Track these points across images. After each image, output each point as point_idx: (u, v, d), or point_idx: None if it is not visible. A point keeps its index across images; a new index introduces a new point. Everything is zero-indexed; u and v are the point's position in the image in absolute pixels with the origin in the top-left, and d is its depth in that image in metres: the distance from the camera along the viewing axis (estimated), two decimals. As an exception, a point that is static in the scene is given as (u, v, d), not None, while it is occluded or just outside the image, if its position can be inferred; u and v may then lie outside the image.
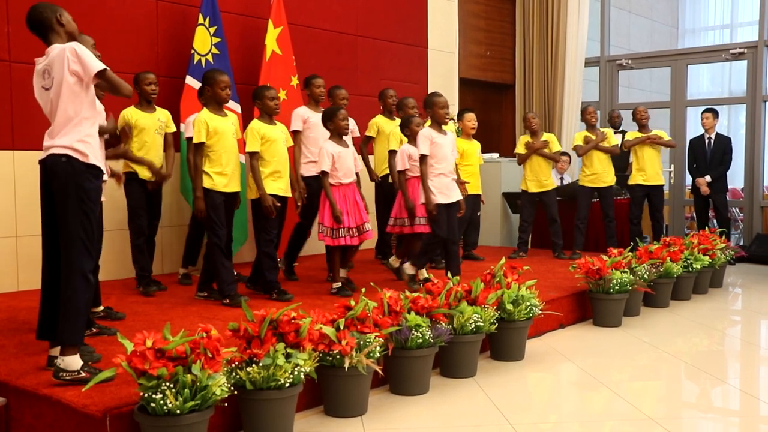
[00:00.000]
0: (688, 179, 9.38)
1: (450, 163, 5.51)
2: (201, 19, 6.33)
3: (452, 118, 7.52)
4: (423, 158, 5.38)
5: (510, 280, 4.63)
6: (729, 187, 9.12)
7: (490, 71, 10.40)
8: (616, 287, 5.44)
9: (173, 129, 5.63)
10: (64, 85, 3.26)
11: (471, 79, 9.87)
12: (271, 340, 3.19)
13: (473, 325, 4.14)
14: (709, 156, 8.71)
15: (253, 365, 3.10)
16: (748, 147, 9.52)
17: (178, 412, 2.76)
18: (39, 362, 3.54)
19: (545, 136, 7.62)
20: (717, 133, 8.79)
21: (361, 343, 3.50)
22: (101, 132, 3.60)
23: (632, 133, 7.94)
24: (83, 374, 3.21)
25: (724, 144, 8.71)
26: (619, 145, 8.13)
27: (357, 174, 5.62)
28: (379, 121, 6.73)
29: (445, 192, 5.42)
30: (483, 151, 7.56)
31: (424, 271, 5.65)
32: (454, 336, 4.08)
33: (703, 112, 8.89)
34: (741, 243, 9.55)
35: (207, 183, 4.94)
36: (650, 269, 5.90)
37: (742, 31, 14.12)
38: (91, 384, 2.91)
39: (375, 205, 6.80)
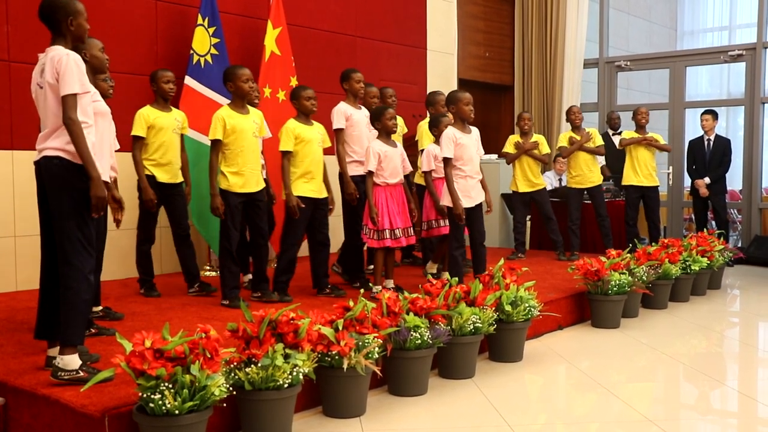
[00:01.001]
0: (687, 181, 9.39)
1: (475, 164, 5.37)
2: (200, 20, 6.33)
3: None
4: (447, 161, 5.25)
5: (509, 281, 4.63)
6: (727, 188, 9.13)
7: (489, 72, 10.41)
8: (615, 289, 5.44)
9: (188, 130, 5.56)
10: (54, 89, 3.25)
11: (470, 80, 9.88)
12: (270, 340, 3.19)
13: (472, 326, 4.14)
14: (708, 158, 8.72)
15: (252, 366, 3.10)
16: (747, 149, 9.54)
17: (177, 412, 2.75)
18: (37, 362, 3.54)
19: (535, 137, 7.61)
20: (716, 135, 8.80)
21: (360, 343, 3.50)
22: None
23: (629, 133, 7.93)
24: (81, 374, 3.21)
25: (723, 146, 8.72)
26: (617, 146, 8.13)
27: (407, 176, 5.50)
28: None
29: (470, 195, 5.31)
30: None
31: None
32: (453, 337, 4.08)
33: (702, 113, 8.90)
34: (739, 245, 9.55)
35: (223, 184, 4.91)
36: (649, 271, 5.91)
37: (740, 33, 14.14)
38: (90, 384, 2.91)
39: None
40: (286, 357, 3.19)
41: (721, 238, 7.44)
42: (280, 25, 6.81)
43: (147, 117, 5.24)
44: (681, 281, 6.46)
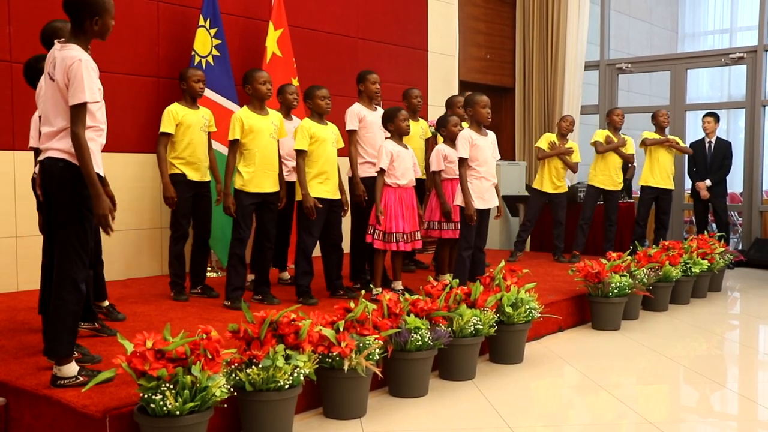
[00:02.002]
0: (688, 183, 9.39)
1: (491, 166, 5.35)
2: (201, 21, 6.33)
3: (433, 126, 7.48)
4: (462, 161, 5.23)
5: (509, 283, 4.64)
6: (728, 191, 9.13)
7: (490, 74, 10.42)
8: (615, 291, 5.44)
9: (215, 128, 5.55)
10: (62, 91, 3.18)
11: (471, 82, 9.88)
12: (271, 341, 3.19)
13: (472, 328, 4.14)
14: (709, 160, 8.72)
15: (253, 366, 3.11)
16: (747, 151, 9.54)
17: (178, 413, 2.76)
18: (38, 362, 3.53)
19: (570, 143, 7.60)
20: (717, 138, 8.81)
21: (361, 345, 3.50)
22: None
23: (650, 134, 7.89)
24: (81, 378, 3.20)
25: (724, 148, 8.73)
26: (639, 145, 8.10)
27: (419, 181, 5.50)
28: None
29: (483, 197, 5.29)
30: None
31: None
32: (454, 339, 4.08)
33: (704, 116, 8.91)
34: (740, 247, 9.55)
35: (237, 182, 4.93)
36: (649, 273, 5.91)
37: (741, 36, 14.14)
38: (91, 384, 2.91)
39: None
40: (287, 358, 3.19)
41: (722, 241, 7.44)
42: (281, 26, 6.81)
43: (176, 114, 5.26)
44: (681, 283, 6.46)
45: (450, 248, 5.96)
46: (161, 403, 2.73)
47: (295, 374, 3.15)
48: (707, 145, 8.78)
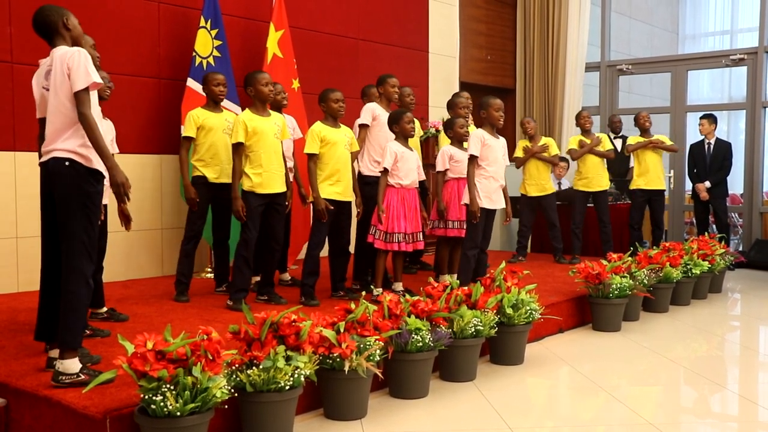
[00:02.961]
0: (688, 184, 9.39)
1: (500, 167, 5.40)
2: (202, 22, 6.34)
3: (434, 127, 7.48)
4: (472, 159, 5.27)
5: (510, 284, 4.64)
6: (729, 192, 9.13)
7: (491, 75, 10.42)
8: (616, 292, 5.44)
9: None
10: (65, 88, 3.24)
11: (471, 83, 9.88)
12: (272, 342, 3.19)
13: (473, 329, 4.14)
14: (709, 161, 8.72)
15: (254, 367, 3.11)
16: (748, 153, 9.54)
17: (179, 414, 2.76)
18: (39, 363, 3.54)
19: (544, 139, 7.62)
20: (717, 139, 8.81)
21: (361, 346, 3.50)
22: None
23: (634, 138, 7.91)
24: (83, 377, 3.21)
25: (724, 149, 8.73)
26: (620, 150, 8.13)
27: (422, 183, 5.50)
28: None
29: (491, 197, 5.33)
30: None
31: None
32: (454, 340, 4.08)
33: (700, 118, 8.91)
34: (740, 248, 9.55)
35: (246, 184, 4.94)
36: (650, 274, 5.91)
37: (742, 37, 14.15)
38: (92, 386, 2.91)
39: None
40: (288, 359, 3.19)
41: (722, 242, 7.44)
42: (282, 27, 6.81)
43: (197, 118, 5.35)
44: (682, 285, 6.46)
45: (451, 248, 5.96)
46: (162, 404, 2.73)
47: (296, 375, 3.15)
48: (707, 146, 8.78)
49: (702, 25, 15.22)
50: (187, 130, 5.36)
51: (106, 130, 4.34)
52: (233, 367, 3.14)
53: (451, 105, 6.48)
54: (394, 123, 5.36)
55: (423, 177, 5.63)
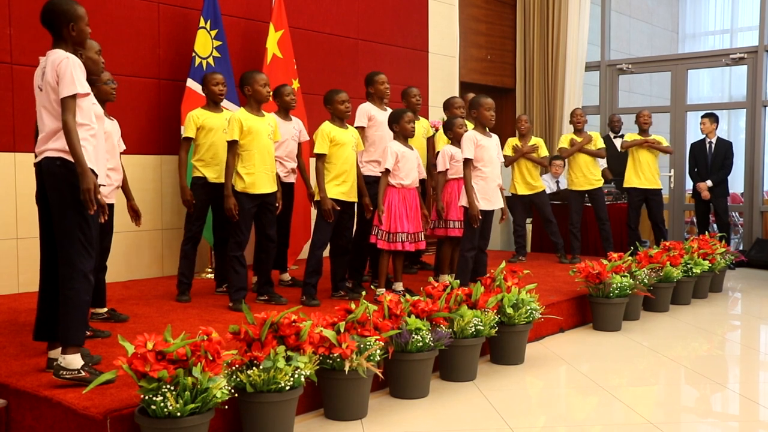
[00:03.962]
0: (689, 184, 9.38)
1: (496, 167, 5.41)
2: (202, 22, 6.34)
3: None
4: (467, 162, 5.27)
5: (510, 283, 4.64)
6: (729, 191, 9.13)
7: (491, 75, 10.42)
8: (616, 291, 5.44)
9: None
10: (55, 92, 3.27)
11: (471, 83, 9.88)
12: (272, 342, 3.19)
13: (473, 329, 4.14)
14: (710, 160, 8.72)
15: (254, 368, 3.11)
16: (748, 152, 9.54)
17: (179, 414, 2.76)
18: (39, 364, 3.54)
19: (534, 140, 7.60)
20: (718, 138, 8.80)
21: (362, 346, 3.50)
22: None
23: (631, 135, 7.91)
24: (83, 373, 3.22)
25: (725, 148, 8.72)
26: (620, 149, 8.12)
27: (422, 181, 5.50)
28: None
29: (488, 198, 5.32)
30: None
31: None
32: (454, 339, 4.08)
33: (701, 117, 8.91)
34: (741, 248, 9.55)
35: (238, 185, 4.93)
36: (650, 274, 5.91)
37: (742, 36, 14.14)
38: (92, 386, 2.91)
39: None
40: (288, 359, 3.19)
41: (723, 241, 7.43)
42: (282, 27, 6.81)
43: (197, 119, 5.35)
44: (682, 284, 6.46)
45: (452, 248, 5.96)
46: (162, 404, 2.73)
47: (296, 375, 3.15)
48: (707, 145, 8.78)
49: (702, 24, 15.22)
50: (187, 130, 5.37)
51: (112, 130, 4.35)
52: (233, 368, 3.14)
53: (447, 105, 6.48)
54: (394, 122, 5.37)
55: (424, 175, 5.63)
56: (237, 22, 7.00)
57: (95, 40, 4.07)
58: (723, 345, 5.44)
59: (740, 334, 5.96)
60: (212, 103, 5.45)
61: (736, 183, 10.50)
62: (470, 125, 5.80)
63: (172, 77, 6.50)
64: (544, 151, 7.58)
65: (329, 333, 3.42)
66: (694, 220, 9.43)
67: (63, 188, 3.27)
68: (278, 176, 5.29)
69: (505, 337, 4.50)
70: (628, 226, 7.81)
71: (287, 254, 6.12)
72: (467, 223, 5.29)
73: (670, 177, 9.74)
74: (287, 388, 3.13)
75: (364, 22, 8.24)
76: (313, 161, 5.37)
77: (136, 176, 6.20)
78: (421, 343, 3.81)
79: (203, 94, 5.57)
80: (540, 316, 4.66)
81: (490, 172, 5.34)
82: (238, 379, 3.10)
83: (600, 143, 7.69)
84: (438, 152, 6.06)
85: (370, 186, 5.53)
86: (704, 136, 8.82)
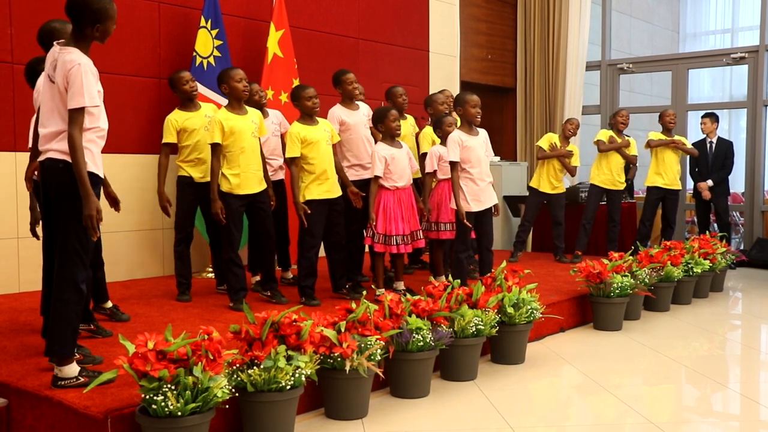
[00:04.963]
0: (689, 183, 9.37)
1: (484, 166, 5.29)
2: (203, 22, 6.34)
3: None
4: (453, 165, 5.18)
5: (511, 283, 4.63)
6: (730, 191, 9.12)
7: (491, 75, 10.42)
8: (617, 291, 5.44)
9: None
10: (63, 96, 3.17)
11: (472, 83, 9.88)
12: (273, 342, 3.19)
13: (474, 329, 4.14)
14: (710, 160, 8.72)
15: (255, 367, 3.11)
16: (749, 151, 9.53)
17: (180, 413, 2.76)
18: (40, 363, 3.54)
19: (572, 146, 7.58)
20: (719, 137, 8.80)
21: (362, 345, 3.50)
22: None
23: (655, 134, 7.88)
24: (82, 379, 3.21)
25: (725, 148, 8.72)
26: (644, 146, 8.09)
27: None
28: None
29: (477, 198, 5.25)
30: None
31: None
32: (455, 339, 4.08)
33: (702, 117, 8.90)
34: (741, 247, 9.55)
35: (224, 186, 4.86)
36: (651, 273, 5.91)
37: (743, 36, 14.15)
38: (93, 385, 2.91)
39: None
40: (289, 359, 3.19)
41: (724, 241, 7.43)
42: (282, 27, 6.81)
43: (175, 123, 5.31)
44: (683, 284, 6.46)
45: (445, 250, 5.95)
46: (163, 404, 2.73)
47: (297, 375, 3.15)
48: (708, 145, 8.78)
49: (703, 23, 15.23)
50: (166, 136, 5.31)
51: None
52: (234, 367, 3.14)
53: (430, 102, 6.36)
54: (379, 122, 5.30)
55: (416, 167, 5.59)
56: (238, 21, 7.00)
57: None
58: (724, 345, 5.44)
59: (741, 333, 5.96)
60: (187, 102, 5.40)
61: (736, 183, 10.50)
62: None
63: (172, 77, 6.49)
64: (576, 161, 7.57)
65: (330, 332, 3.42)
66: (695, 219, 9.43)
67: (64, 193, 3.22)
68: (266, 173, 5.18)
69: (506, 336, 4.50)
70: (642, 222, 7.82)
71: (289, 251, 6.10)
72: (459, 224, 5.25)
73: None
74: (288, 387, 3.13)
75: (365, 22, 8.24)
76: None
77: (136, 176, 6.21)
78: (421, 343, 3.80)
79: (203, 94, 5.57)
80: (541, 315, 4.66)
81: (477, 172, 5.23)
82: (239, 379, 3.10)
83: (635, 150, 7.68)
84: (425, 153, 6.02)
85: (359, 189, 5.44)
86: (705, 135, 8.82)
